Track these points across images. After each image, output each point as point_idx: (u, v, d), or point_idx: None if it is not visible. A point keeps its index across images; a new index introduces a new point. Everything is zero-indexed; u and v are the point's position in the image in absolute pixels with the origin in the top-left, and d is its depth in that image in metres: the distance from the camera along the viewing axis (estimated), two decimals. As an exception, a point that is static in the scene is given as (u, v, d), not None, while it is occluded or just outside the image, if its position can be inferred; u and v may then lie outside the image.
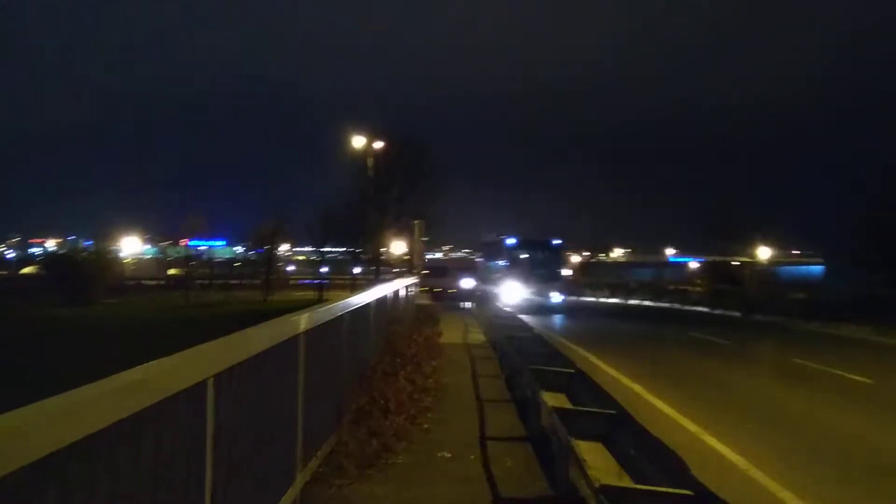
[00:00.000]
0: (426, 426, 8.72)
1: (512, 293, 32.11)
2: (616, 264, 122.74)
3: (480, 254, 46.68)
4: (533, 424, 8.73)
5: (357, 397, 8.21)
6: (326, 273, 55.28)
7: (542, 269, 33.94)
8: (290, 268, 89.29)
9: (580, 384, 8.19)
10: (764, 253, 60.87)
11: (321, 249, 55.43)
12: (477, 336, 20.14)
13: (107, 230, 61.89)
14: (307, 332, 6.03)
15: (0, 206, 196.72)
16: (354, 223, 44.27)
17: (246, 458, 4.42)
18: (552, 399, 7.83)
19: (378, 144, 41.89)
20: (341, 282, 57.37)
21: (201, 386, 3.62)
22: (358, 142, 41.80)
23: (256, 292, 56.17)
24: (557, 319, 29.54)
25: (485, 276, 38.98)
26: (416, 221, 30.60)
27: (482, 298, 34.65)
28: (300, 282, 72.82)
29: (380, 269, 47.57)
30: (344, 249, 60.23)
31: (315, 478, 6.24)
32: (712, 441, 8.15)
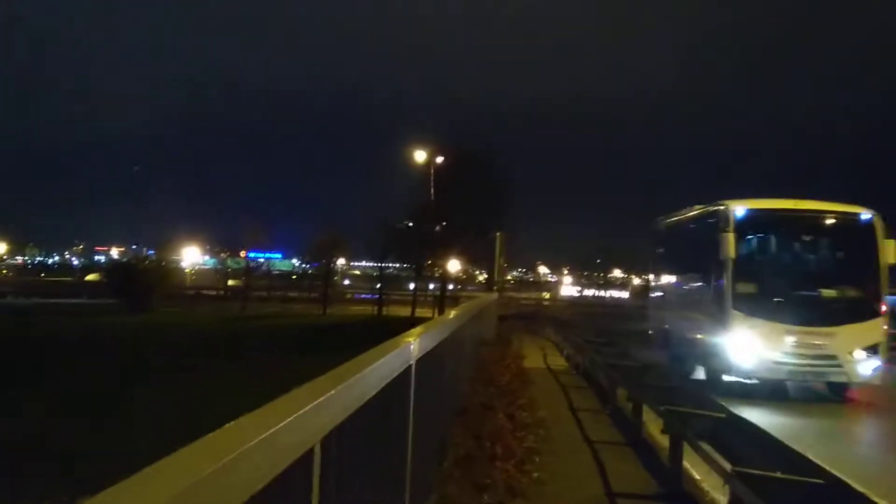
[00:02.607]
0: (536, 474, 7.17)
1: (747, 347, 12.97)
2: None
3: (655, 249, 21.26)
4: (667, 477, 7.16)
5: (459, 437, 6.75)
6: (383, 288, 54.13)
7: (827, 285, 13.93)
8: (346, 282, 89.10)
9: (733, 432, 6.58)
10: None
11: (380, 264, 54.37)
12: (557, 360, 18.54)
13: (169, 240, 62.35)
14: (418, 360, 4.64)
15: (65, 213, 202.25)
16: (416, 237, 42.93)
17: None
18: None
19: (440, 158, 40.68)
20: (399, 297, 56.31)
21: (306, 457, 2.23)
22: (421, 154, 40.71)
23: (313, 305, 55.55)
24: None
25: (668, 300, 19.06)
26: (497, 234, 28.28)
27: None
28: (357, 296, 72.20)
29: (445, 286, 46.05)
30: (402, 265, 59.19)
31: (420, 551, 4.78)
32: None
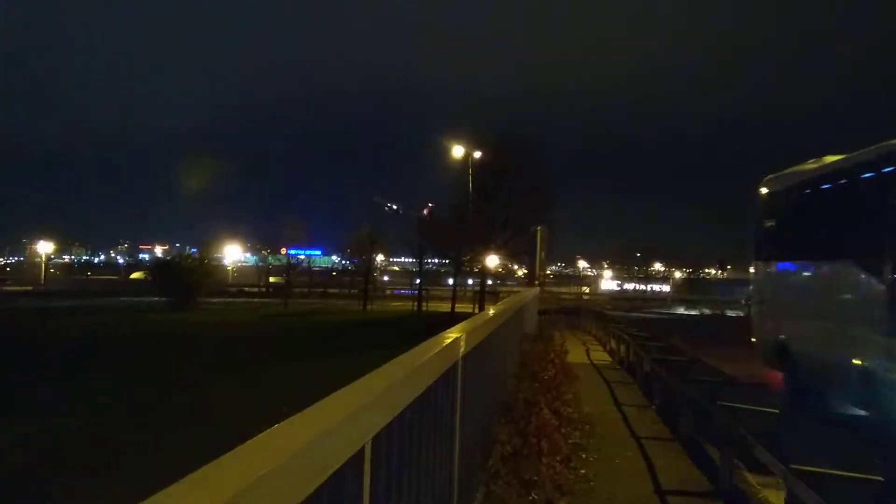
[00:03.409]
0: (583, 471, 7.08)
1: None
2: (720, 281, 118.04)
3: (763, 222, 13.66)
4: (718, 474, 6.99)
5: (504, 433, 6.67)
6: (423, 284, 54.22)
7: None
8: (385, 277, 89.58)
9: (788, 428, 6.39)
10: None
11: (420, 260, 54.41)
12: (600, 354, 18.34)
13: (211, 237, 63.27)
14: (464, 357, 4.58)
15: (111, 212, 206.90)
16: (455, 233, 42.82)
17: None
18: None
19: (478, 153, 40.47)
20: (438, 293, 56.35)
21: (357, 455, 2.19)
22: (459, 149, 40.54)
23: (354, 301, 55.92)
24: None
25: (789, 298, 12.41)
26: (538, 228, 27.92)
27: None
28: (396, 292, 72.56)
29: (485, 281, 45.88)
30: (440, 261, 59.26)
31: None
32: None
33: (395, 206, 46.80)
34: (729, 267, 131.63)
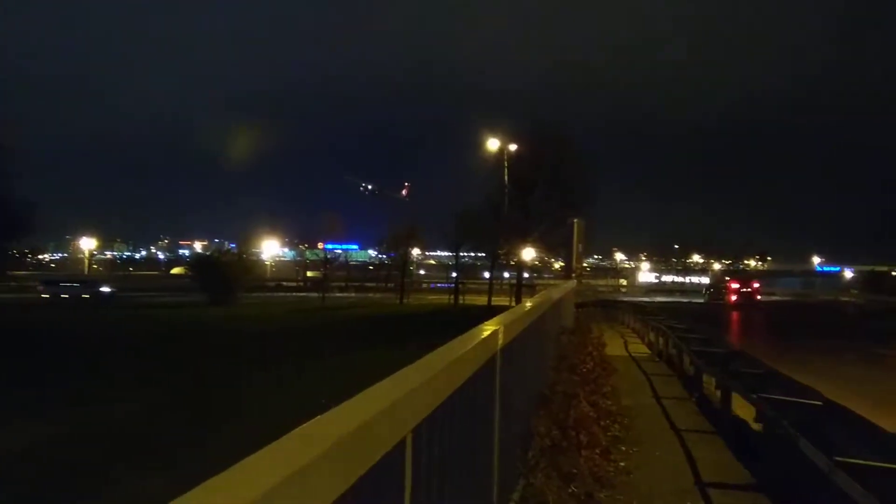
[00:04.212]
0: (622, 463, 7.05)
1: None
2: (759, 273, 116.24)
3: None
4: (759, 466, 6.91)
5: (543, 426, 6.66)
6: (459, 277, 54.25)
7: None
8: (422, 271, 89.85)
9: (831, 420, 6.26)
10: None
11: (456, 254, 54.43)
12: (639, 347, 18.19)
13: (249, 233, 63.99)
14: (502, 350, 4.59)
15: (151, 208, 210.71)
16: (492, 226, 42.74)
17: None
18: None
19: (514, 146, 40.33)
20: (474, 286, 56.35)
21: (399, 447, 2.22)
22: (495, 143, 40.44)
23: (391, 295, 56.22)
24: None
25: None
26: (575, 220, 27.63)
27: None
28: (433, 285, 72.78)
29: (521, 274, 45.76)
30: (477, 254, 59.27)
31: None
32: None
33: (369, 186, 47.32)
34: (769, 258, 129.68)
